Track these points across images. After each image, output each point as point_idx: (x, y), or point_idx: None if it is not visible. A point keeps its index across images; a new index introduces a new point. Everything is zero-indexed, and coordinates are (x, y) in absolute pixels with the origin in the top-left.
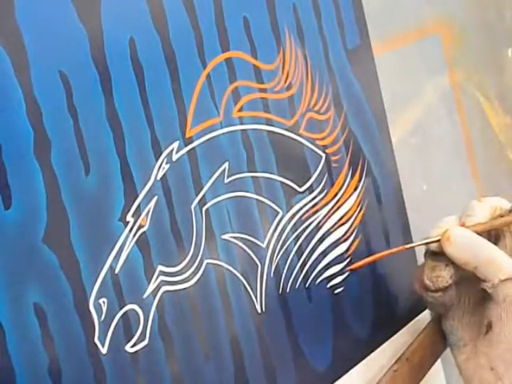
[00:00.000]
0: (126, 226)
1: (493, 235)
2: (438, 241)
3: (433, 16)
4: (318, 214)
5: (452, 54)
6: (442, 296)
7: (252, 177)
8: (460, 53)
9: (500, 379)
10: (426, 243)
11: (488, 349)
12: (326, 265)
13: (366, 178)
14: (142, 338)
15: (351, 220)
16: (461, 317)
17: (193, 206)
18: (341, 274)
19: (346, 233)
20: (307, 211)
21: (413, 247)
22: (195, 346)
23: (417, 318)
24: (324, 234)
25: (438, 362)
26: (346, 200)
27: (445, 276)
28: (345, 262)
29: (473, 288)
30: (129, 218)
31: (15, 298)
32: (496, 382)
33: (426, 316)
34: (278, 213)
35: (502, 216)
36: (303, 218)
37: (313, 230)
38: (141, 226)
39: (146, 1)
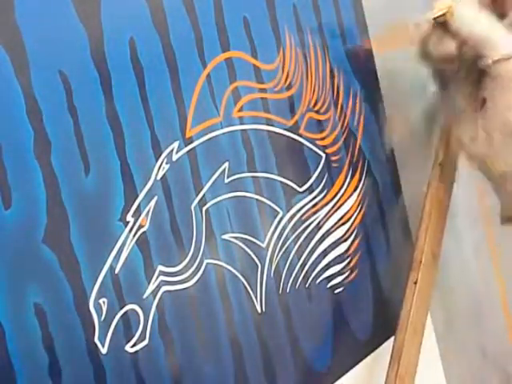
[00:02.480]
0: (126, 226)
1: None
2: (444, 15)
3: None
4: (318, 213)
5: None
6: (445, 66)
7: (252, 177)
8: None
9: (493, 145)
10: (434, 18)
11: (484, 121)
12: (326, 265)
13: (366, 178)
14: (142, 338)
15: (351, 220)
16: (459, 88)
17: (193, 206)
18: (341, 274)
19: (346, 233)
20: (307, 211)
21: (420, 23)
22: (195, 345)
23: None
24: (324, 234)
25: (438, 362)
26: (346, 200)
27: (451, 47)
28: (345, 262)
29: (473, 65)
30: (129, 218)
31: (15, 297)
32: (489, 146)
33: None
34: (278, 213)
35: None
36: (303, 217)
37: (313, 229)
38: (141, 226)
39: (146, 1)
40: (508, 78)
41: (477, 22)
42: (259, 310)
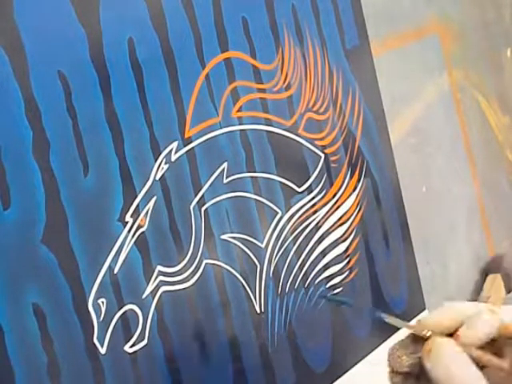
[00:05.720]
0: (124, 226)
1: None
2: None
3: (432, 16)
4: (317, 214)
5: (451, 54)
6: (397, 381)
7: (251, 177)
8: (459, 53)
9: None
10: (413, 330)
11: None
12: (325, 265)
13: (365, 178)
14: (141, 338)
15: (350, 220)
16: None
17: (192, 206)
18: (340, 274)
19: (345, 233)
20: (306, 211)
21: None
22: (194, 346)
23: (417, 317)
24: (323, 234)
25: None
26: (345, 200)
27: (403, 361)
28: (344, 262)
29: None
30: (128, 218)
31: (14, 297)
32: None
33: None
34: (276, 213)
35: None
36: (302, 218)
37: (312, 230)
38: (140, 226)
39: (145, 1)
40: None
41: (451, 376)
42: (258, 310)
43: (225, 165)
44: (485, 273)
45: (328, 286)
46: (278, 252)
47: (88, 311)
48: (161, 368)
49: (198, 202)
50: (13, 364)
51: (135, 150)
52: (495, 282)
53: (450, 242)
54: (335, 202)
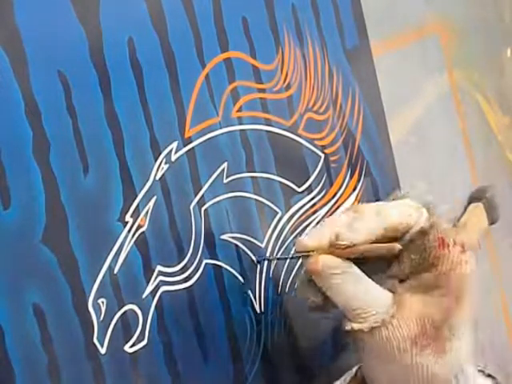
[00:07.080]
0: (124, 226)
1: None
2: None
3: (432, 16)
4: (317, 214)
5: (451, 54)
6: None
7: (251, 177)
8: (459, 53)
9: None
10: (298, 257)
11: None
12: None
13: (364, 178)
14: (140, 338)
15: None
16: None
17: (192, 206)
18: None
19: None
20: (306, 211)
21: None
22: (194, 346)
23: None
24: None
25: None
26: (344, 200)
27: (314, 299)
28: None
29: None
30: (128, 218)
31: (14, 298)
32: None
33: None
34: (276, 213)
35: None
36: (302, 218)
37: None
38: (140, 226)
39: (145, 1)
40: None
41: (340, 288)
42: (258, 311)
43: (225, 165)
44: (468, 202)
45: None
46: (278, 252)
47: (88, 311)
48: (161, 368)
49: (198, 202)
50: (13, 364)
51: (135, 150)
52: (475, 211)
53: None
54: (335, 202)
